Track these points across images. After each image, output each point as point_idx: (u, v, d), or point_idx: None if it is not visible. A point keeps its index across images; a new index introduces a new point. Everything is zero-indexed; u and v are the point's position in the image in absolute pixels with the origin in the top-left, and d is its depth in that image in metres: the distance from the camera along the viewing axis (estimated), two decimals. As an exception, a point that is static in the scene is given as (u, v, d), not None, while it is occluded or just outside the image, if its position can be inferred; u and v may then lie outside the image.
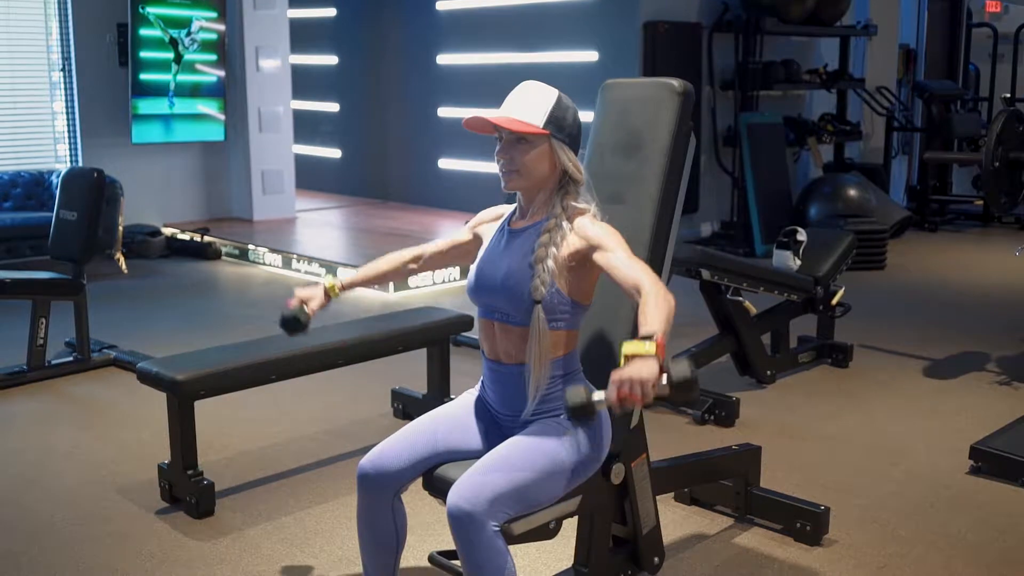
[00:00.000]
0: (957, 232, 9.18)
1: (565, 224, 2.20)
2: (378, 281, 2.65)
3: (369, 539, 2.34)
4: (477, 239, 2.44)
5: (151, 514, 3.27)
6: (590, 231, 2.17)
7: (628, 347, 1.91)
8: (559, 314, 2.19)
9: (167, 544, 3.05)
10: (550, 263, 2.16)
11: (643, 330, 1.94)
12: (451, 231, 2.58)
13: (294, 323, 2.51)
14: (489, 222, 2.44)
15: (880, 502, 3.33)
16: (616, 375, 1.89)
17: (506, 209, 2.40)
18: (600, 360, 2.44)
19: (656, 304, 1.98)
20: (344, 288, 2.58)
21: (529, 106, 2.19)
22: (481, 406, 2.39)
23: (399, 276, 2.66)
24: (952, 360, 5.02)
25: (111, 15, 7.90)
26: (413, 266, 2.61)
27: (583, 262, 2.17)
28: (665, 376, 1.88)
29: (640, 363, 1.87)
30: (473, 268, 2.33)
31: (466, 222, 2.57)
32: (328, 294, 2.56)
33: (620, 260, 2.12)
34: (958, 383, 4.66)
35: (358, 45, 10.35)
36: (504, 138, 2.21)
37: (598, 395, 1.97)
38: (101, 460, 3.73)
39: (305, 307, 2.53)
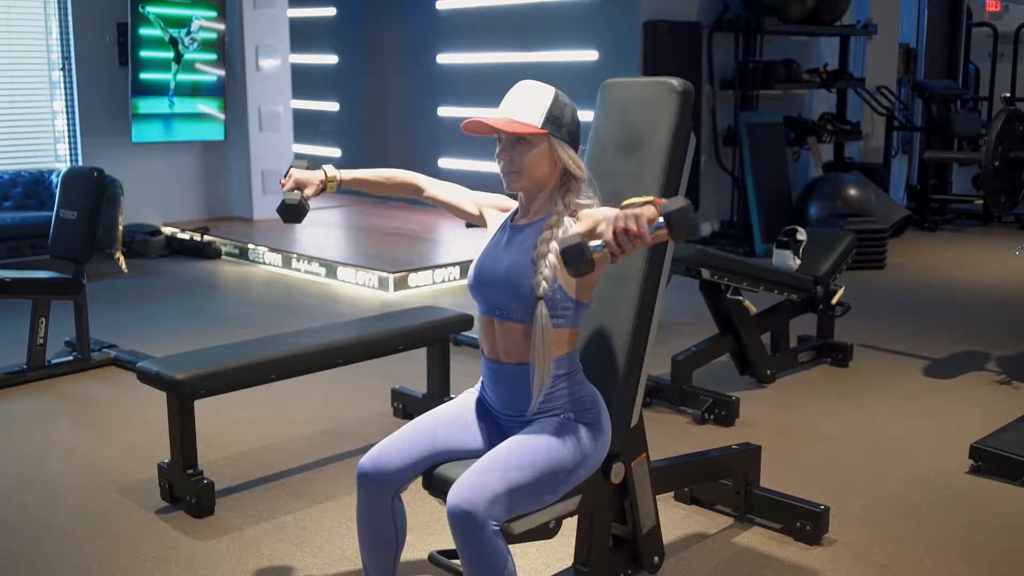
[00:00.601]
0: (957, 231, 9.18)
1: (568, 220, 2.20)
2: (376, 188, 2.60)
3: (369, 538, 2.34)
4: (480, 218, 2.45)
5: (151, 513, 3.27)
6: (597, 212, 2.18)
7: (625, 202, 1.93)
8: (561, 311, 2.19)
9: (167, 543, 3.05)
10: (552, 259, 2.16)
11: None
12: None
13: (294, 211, 2.44)
14: (496, 210, 2.44)
15: (880, 502, 3.34)
16: (615, 223, 1.88)
17: (513, 203, 2.40)
18: (601, 359, 2.44)
19: None
20: (342, 184, 2.53)
21: (526, 106, 2.19)
22: (481, 405, 2.39)
23: (397, 192, 2.61)
24: (952, 359, 5.02)
25: (111, 14, 7.90)
26: (412, 192, 2.58)
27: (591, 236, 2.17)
28: (661, 219, 1.86)
29: (636, 209, 1.89)
30: (474, 263, 2.33)
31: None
32: (325, 185, 2.51)
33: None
34: (958, 382, 4.66)
35: (358, 44, 10.35)
36: (503, 139, 2.21)
37: (595, 242, 1.92)
38: (101, 459, 3.73)
39: (303, 192, 2.46)
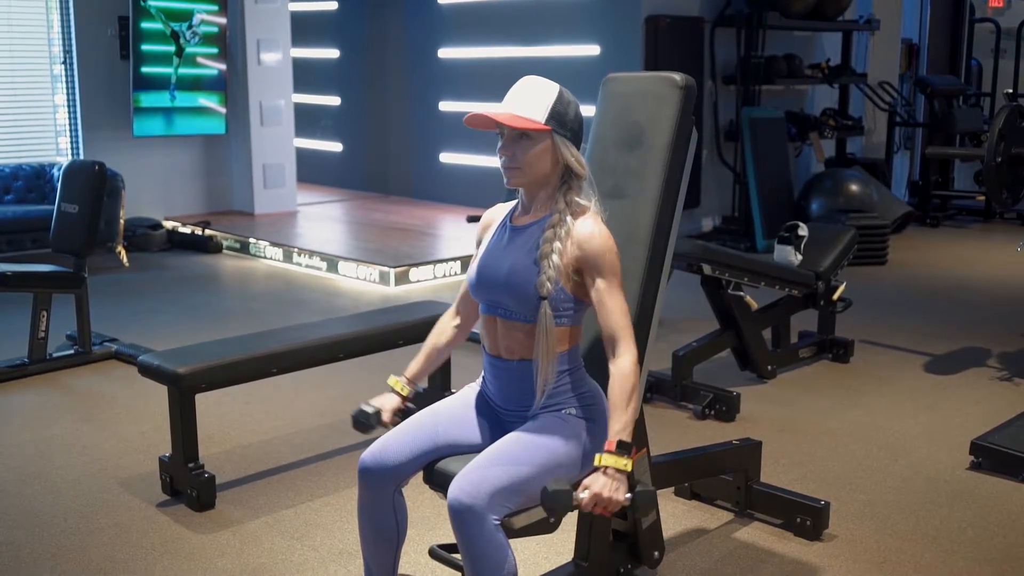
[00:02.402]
0: (959, 228, 9.18)
1: (569, 219, 2.20)
2: (440, 358, 2.52)
3: (370, 532, 2.34)
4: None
5: (152, 507, 3.27)
6: (590, 246, 2.16)
7: (605, 459, 2.08)
8: (563, 310, 2.19)
9: (168, 537, 3.06)
10: (555, 259, 2.16)
11: (614, 429, 2.11)
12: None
13: (364, 426, 2.39)
14: (491, 225, 2.40)
15: (880, 497, 3.34)
16: (593, 488, 2.06)
17: (506, 206, 2.39)
18: (602, 354, 2.43)
19: (629, 393, 2.13)
20: (412, 382, 2.46)
21: (530, 102, 2.18)
22: (482, 400, 2.39)
23: (454, 342, 2.51)
24: (953, 356, 5.02)
25: (112, 8, 7.90)
26: (458, 322, 2.49)
27: (582, 271, 2.19)
28: (629, 497, 2.09)
29: (614, 483, 2.07)
30: (475, 264, 2.32)
31: (468, 217, 2.55)
32: (400, 395, 2.44)
33: (610, 302, 2.16)
34: (959, 379, 4.66)
35: (359, 39, 10.34)
36: (506, 134, 2.21)
37: (580, 494, 2.09)
38: (102, 453, 3.73)
39: (380, 413, 2.39)
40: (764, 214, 7.75)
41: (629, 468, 2.08)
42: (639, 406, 2.20)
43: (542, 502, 2.05)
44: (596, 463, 2.09)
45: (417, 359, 2.49)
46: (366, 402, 2.42)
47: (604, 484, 2.06)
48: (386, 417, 2.40)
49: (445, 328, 2.51)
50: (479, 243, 2.39)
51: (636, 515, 2.20)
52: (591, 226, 2.19)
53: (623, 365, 2.15)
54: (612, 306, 2.17)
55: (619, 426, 2.11)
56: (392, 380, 2.47)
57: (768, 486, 3.16)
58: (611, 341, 2.17)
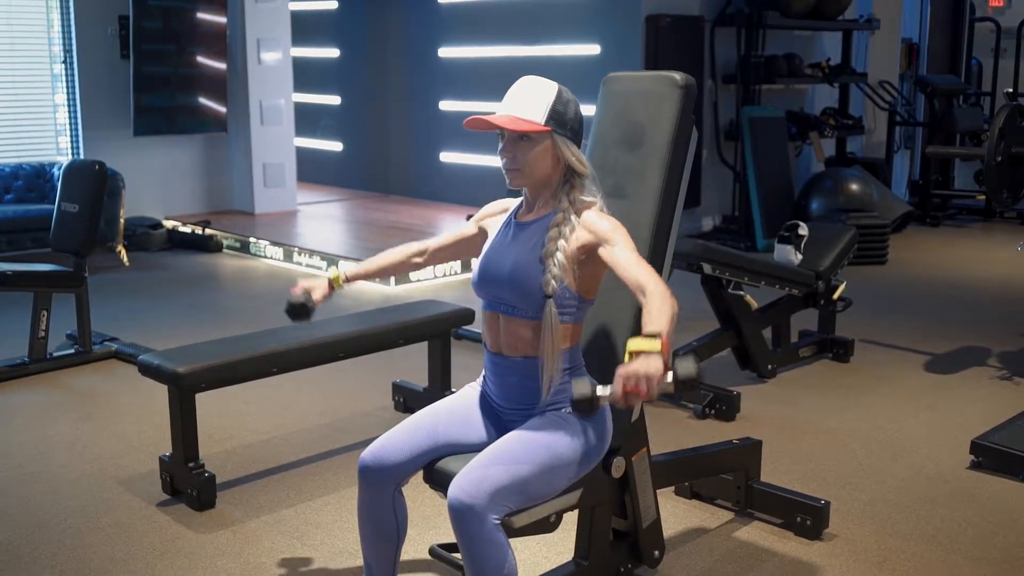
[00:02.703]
0: (959, 227, 9.17)
1: (573, 218, 2.20)
2: (382, 274, 2.66)
3: (370, 532, 2.35)
4: (483, 233, 2.44)
5: (152, 506, 3.27)
6: (598, 226, 2.17)
7: (633, 343, 1.93)
8: (565, 308, 2.20)
9: (168, 536, 3.06)
10: (560, 257, 2.17)
11: (647, 328, 1.96)
12: (453, 224, 2.58)
13: (300, 310, 2.53)
14: (495, 215, 2.43)
15: (881, 497, 3.34)
16: (622, 370, 1.90)
17: (512, 202, 2.40)
18: (602, 354, 2.44)
19: (660, 305, 2.00)
20: (348, 280, 2.60)
21: (529, 103, 2.19)
22: (482, 399, 2.39)
23: (403, 270, 2.67)
24: (953, 355, 5.02)
25: (112, 7, 7.89)
26: (418, 260, 2.61)
27: (591, 256, 2.18)
28: (670, 373, 1.92)
29: (645, 359, 1.89)
30: (479, 261, 2.33)
31: (468, 216, 2.56)
32: (332, 285, 2.58)
33: (626, 258, 2.12)
34: (959, 378, 4.66)
35: (360, 38, 10.34)
36: (506, 136, 2.21)
37: (603, 390, 1.98)
38: (102, 452, 3.73)
39: (310, 295, 2.54)
40: (764, 213, 7.75)
41: (658, 348, 1.91)
42: (674, 318, 2.00)
43: (574, 410, 2.01)
44: (627, 349, 1.94)
45: (362, 264, 2.64)
46: (293, 293, 2.54)
47: (635, 364, 1.89)
48: (316, 296, 2.55)
49: (405, 253, 2.62)
50: (478, 223, 2.45)
51: (682, 389, 1.93)
52: (596, 214, 2.21)
53: (654, 290, 2.04)
54: (629, 256, 2.12)
55: (651, 321, 1.98)
56: (332, 273, 2.58)
57: (768, 485, 3.16)
58: (638, 287, 2.07)
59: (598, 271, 2.23)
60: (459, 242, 2.54)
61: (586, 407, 1.99)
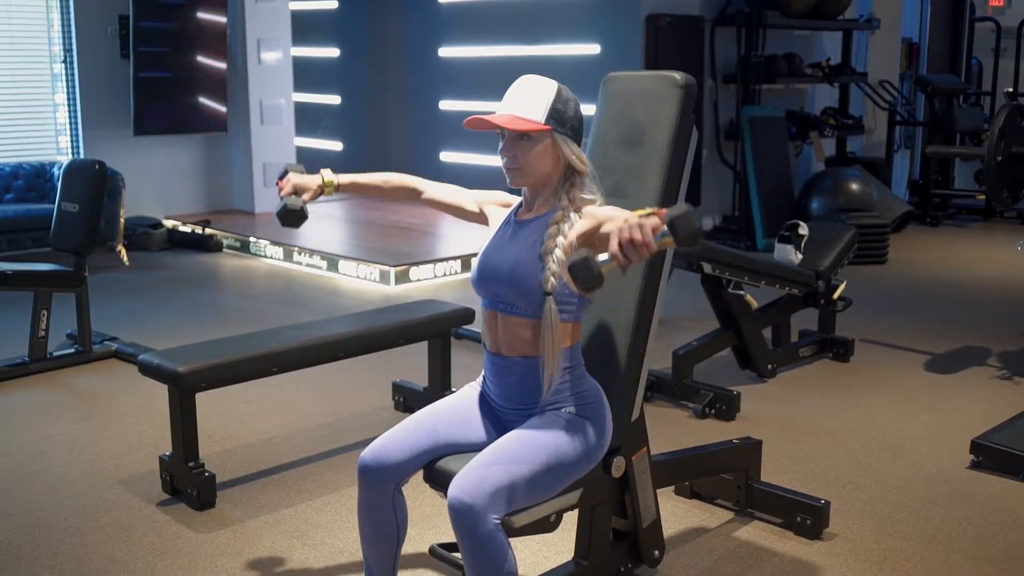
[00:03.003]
0: (959, 227, 9.17)
1: (573, 215, 2.20)
2: (373, 191, 2.61)
3: (370, 531, 2.34)
4: (481, 215, 2.44)
5: (152, 506, 3.27)
6: (599, 211, 2.18)
7: (630, 216, 1.88)
8: (564, 306, 2.20)
9: (168, 536, 3.06)
10: (559, 253, 2.16)
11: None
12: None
13: (294, 216, 2.45)
14: (497, 206, 2.43)
15: (881, 496, 3.34)
16: (621, 223, 1.86)
17: (514, 199, 2.40)
18: (602, 354, 2.44)
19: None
20: (339, 188, 2.55)
21: (529, 102, 2.19)
22: (482, 399, 2.39)
23: (396, 196, 2.61)
24: (953, 355, 5.02)
25: (112, 7, 7.89)
26: (411, 196, 2.58)
27: (590, 242, 2.17)
28: (665, 220, 1.83)
29: (641, 219, 1.85)
30: (477, 258, 2.33)
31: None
32: (323, 189, 2.52)
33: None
34: (959, 378, 4.66)
35: (360, 38, 10.34)
36: (506, 135, 2.21)
37: (602, 256, 1.89)
38: (102, 452, 3.73)
39: (302, 197, 2.47)
40: (764, 213, 7.75)
41: (653, 211, 1.85)
42: None
43: (574, 277, 1.85)
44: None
45: (360, 176, 2.58)
46: (282, 191, 2.48)
47: (631, 222, 1.83)
48: (307, 197, 2.49)
49: (402, 182, 2.59)
50: (480, 204, 2.45)
51: (681, 243, 1.83)
52: (598, 207, 2.21)
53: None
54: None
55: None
56: (327, 176, 2.52)
57: (768, 485, 3.16)
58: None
59: None
60: (456, 207, 2.52)
61: (585, 271, 1.84)
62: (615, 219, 2.08)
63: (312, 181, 2.53)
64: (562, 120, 2.20)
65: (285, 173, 2.54)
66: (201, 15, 8.22)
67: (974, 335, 5.35)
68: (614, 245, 1.83)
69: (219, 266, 7.35)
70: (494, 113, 2.21)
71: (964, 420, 4.05)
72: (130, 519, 3.17)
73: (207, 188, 8.75)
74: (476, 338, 4.91)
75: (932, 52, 10.57)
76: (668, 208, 1.87)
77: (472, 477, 2.09)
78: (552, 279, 2.16)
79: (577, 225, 2.19)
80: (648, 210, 1.87)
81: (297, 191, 2.51)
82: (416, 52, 9.63)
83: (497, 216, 2.40)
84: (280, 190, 2.51)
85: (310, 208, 2.54)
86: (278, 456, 3.70)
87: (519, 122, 2.16)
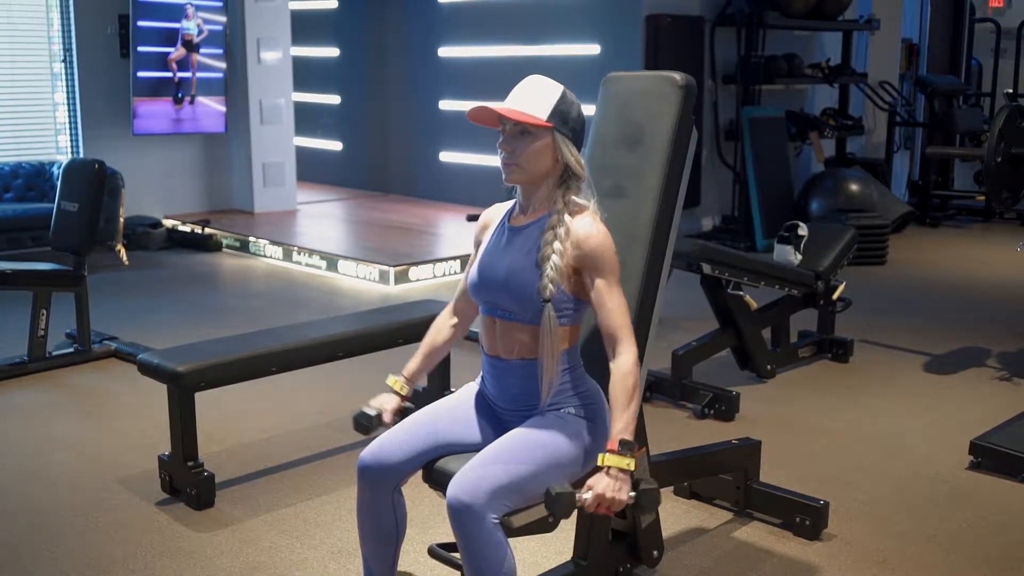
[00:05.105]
0: (959, 228, 9.18)
1: (567, 219, 2.20)
2: (438, 356, 2.51)
3: (369, 531, 2.34)
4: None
5: (151, 505, 3.27)
6: (588, 245, 2.16)
7: (609, 459, 2.08)
8: (563, 311, 2.20)
9: (167, 535, 3.06)
10: (556, 260, 2.16)
11: (616, 428, 2.11)
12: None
13: (365, 426, 2.40)
14: (488, 225, 2.39)
15: (880, 497, 3.34)
16: (598, 487, 2.07)
17: (504, 206, 2.39)
18: (601, 353, 2.43)
19: (631, 391, 2.13)
20: (409, 381, 2.46)
21: (534, 99, 2.19)
22: (481, 399, 2.39)
23: (452, 340, 2.52)
24: (952, 356, 5.02)
25: (112, 6, 7.89)
26: (456, 321, 2.49)
27: (573, 276, 2.19)
28: (633, 496, 2.11)
29: (618, 483, 2.08)
30: (474, 266, 2.32)
31: (468, 217, 2.55)
32: (400, 395, 2.44)
33: (608, 300, 2.17)
34: (958, 379, 4.66)
35: (360, 37, 10.34)
36: (507, 130, 2.21)
37: (579, 493, 2.09)
38: (102, 451, 3.73)
39: (381, 416, 2.39)
40: (764, 213, 7.75)
41: (632, 467, 2.09)
42: (640, 404, 2.20)
43: (546, 505, 2.05)
44: (599, 463, 2.09)
45: (415, 358, 2.50)
46: (367, 404, 2.42)
47: (607, 484, 2.07)
48: (387, 418, 2.40)
49: (443, 327, 2.51)
50: (477, 244, 2.38)
51: (640, 513, 2.19)
52: (589, 225, 2.19)
53: (624, 364, 2.16)
54: (611, 305, 2.17)
55: (621, 425, 2.11)
56: (391, 380, 2.46)
57: (767, 485, 3.16)
58: (611, 340, 2.17)
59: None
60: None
61: (560, 505, 2.04)
62: (599, 271, 2.16)
63: (389, 400, 2.42)
64: (565, 120, 2.20)
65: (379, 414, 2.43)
66: (201, 14, 8.20)
67: (973, 336, 5.35)
68: (591, 504, 2.08)
69: (218, 266, 7.35)
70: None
71: (963, 421, 4.05)
72: (129, 518, 3.17)
73: (207, 188, 8.75)
74: (475, 338, 4.90)
75: (932, 53, 10.57)
76: (639, 476, 2.15)
77: (471, 477, 2.09)
78: (550, 286, 2.16)
79: (569, 249, 2.16)
80: (626, 458, 2.09)
81: (379, 412, 2.41)
82: (416, 52, 9.63)
83: (490, 230, 2.36)
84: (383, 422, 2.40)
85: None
86: (277, 456, 3.70)
87: (522, 115, 2.16)
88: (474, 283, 2.30)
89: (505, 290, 2.21)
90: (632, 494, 2.10)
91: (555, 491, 2.03)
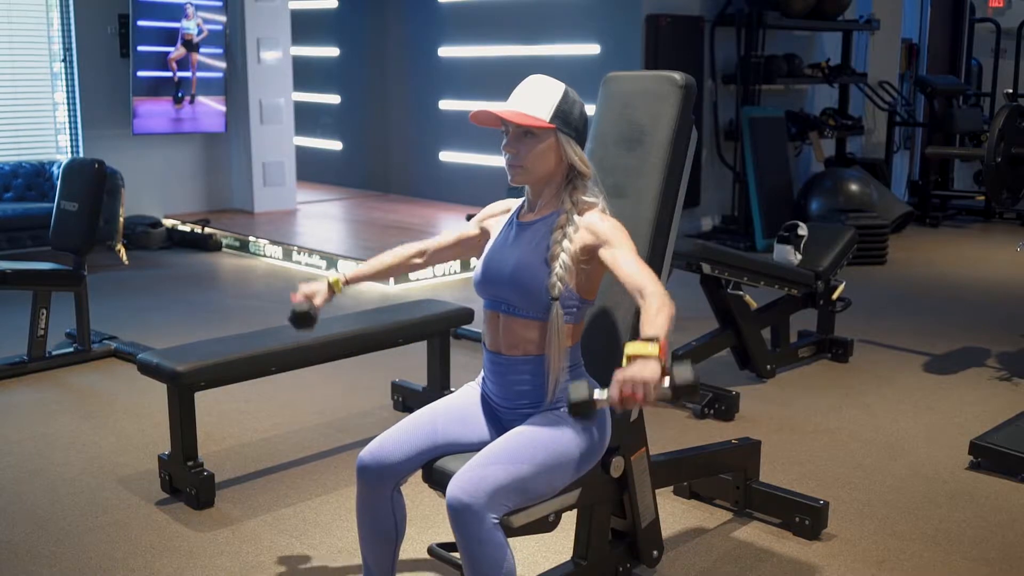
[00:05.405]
0: (958, 227, 9.18)
1: (576, 218, 2.20)
2: (382, 276, 2.63)
3: (368, 531, 2.34)
4: (484, 233, 2.44)
5: (151, 505, 3.27)
6: (599, 227, 2.18)
7: (631, 348, 1.93)
8: (567, 308, 2.20)
9: (167, 535, 3.06)
10: (565, 258, 2.17)
11: (645, 332, 1.97)
12: (453, 223, 2.57)
13: (304, 318, 2.49)
14: (497, 215, 2.43)
15: (879, 497, 3.34)
16: (619, 374, 1.91)
17: (514, 202, 2.40)
18: (601, 353, 2.44)
19: (658, 308, 2.01)
20: (348, 282, 2.55)
21: (536, 100, 2.19)
22: (482, 399, 2.39)
23: (403, 270, 2.63)
24: (952, 356, 5.02)
25: (112, 6, 7.89)
26: (418, 260, 2.58)
27: (592, 257, 2.18)
28: (668, 379, 1.92)
29: (643, 364, 1.90)
30: (480, 261, 2.33)
31: (469, 216, 2.56)
32: (332, 289, 2.53)
33: (626, 260, 2.13)
34: (958, 379, 4.66)
35: (360, 37, 10.34)
36: (511, 132, 2.21)
37: (600, 393, 1.99)
38: (101, 451, 3.73)
39: (311, 302, 2.50)
40: (764, 213, 7.75)
41: (655, 353, 1.91)
42: (672, 320, 2.00)
43: (571, 412, 1.98)
44: (624, 355, 1.94)
45: (362, 266, 2.59)
46: (297, 302, 2.50)
47: (632, 369, 1.90)
48: (317, 301, 2.49)
49: (404, 254, 2.58)
50: (478, 222, 2.44)
51: (677, 396, 1.92)
52: (599, 218, 2.20)
53: (653, 293, 2.05)
54: (629, 258, 2.13)
55: (649, 328, 1.97)
56: (332, 277, 2.53)
57: (767, 485, 3.16)
58: (636, 289, 2.08)
59: (598, 272, 2.23)
60: (460, 242, 2.53)
61: (582, 410, 1.98)
62: (613, 244, 2.14)
63: (320, 286, 2.52)
64: (567, 120, 2.20)
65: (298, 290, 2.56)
66: (201, 14, 8.20)
67: (973, 336, 5.35)
68: (615, 395, 1.90)
69: (218, 265, 7.35)
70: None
71: (963, 421, 4.05)
72: (129, 518, 3.17)
73: (206, 187, 8.75)
74: (475, 338, 4.91)
75: (932, 53, 10.58)
76: (672, 362, 1.94)
77: (471, 477, 2.09)
78: (559, 284, 2.16)
79: (580, 235, 2.18)
80: (647, 344, 1.92)
81: (308, 298, 2.50)
82: (416, 51, 9.63)
83: (498, 222, 2.39)
84: (292, 300, 2.52)
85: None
86: (277, 455, 3.70)
87: (525, 117, 2.17)
88: (480, 277, 2.31)
89: (511, 285, 2.22)
90: (666, 379, 1.91)
91: (572, 399, 1.95)
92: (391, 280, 6.49)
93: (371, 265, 2.59)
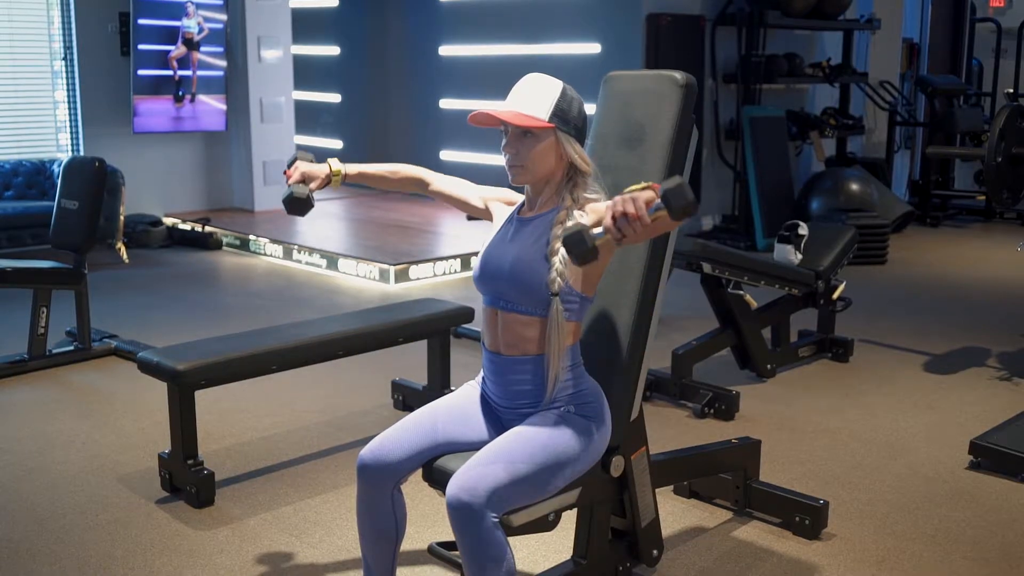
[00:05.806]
0: (959, 227, 9.18)
1: (577, 213, 2.20)
2: (380, 182, 2.57)
3: (369, 530, 2.34)
4: (486, 211, 2.44)
5: (151, 503, 3.27)
6: (600, 207, 2.18)
7: (626, 190, 1.91)
8: (567, 305, 2.20)
9: (167, 533, 3.06)
10: (565, 253, 2.16)
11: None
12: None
13: (301, 204, 2.42)
14: (502, 203, 2.43)
15: (879, 497, 3.34)
16: (612, 202, 1.89)
17: (519, 197, 2.40)
18: (602, 352, 2.44)
19: None
20: (347, 178, 2.51)
21: (534, 99, 2.19)
22: (482, 398, 2.39)
23: (403, 187, 2.58)
24: (952, 355, 5.02)
25: (113, 4, 7.89)
26: (418, 187, 2.55)
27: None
28: (659, 193, 1.86)
29: (634, 191, 1.89)
30: (480, 256, 2.33)
31: (468, 218, 2.54)
32: (331, 178, 2.48)
33: None
34: (958, 378, 4.66)
35: (360, 36, 10.34)
36: (510, 132, 2.21)
37: (596, 229, 1.94)
38: (101, 449, 3.74)
39: (307, 185, 2.45)
40: (764, 213, 7.76)
41: (648, 186, 1.89)
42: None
43: (567, 251, 1.89)
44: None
45: (365, 166, 2.55)
46: (290, 180, 2.44)
47: (619, 199, 1.87)
48: (314, 186, 2.45)
49: (410, 173, 2.55)
50: (486, 200, 2.44)
51: (668, 202, 1.83)
52: (601, 208, 2.20)
53: None
54: None
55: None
56: (335, 166, 2.48)
57: (767, 485, 3.16)
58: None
59: (598, 266, 2.22)
60: (460, 200, 2.51)
61: (578, 243, 1.88)
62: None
63: (320, 170, 2.48)
64: (566, 119, 2.20)
65: (294, 160, 2.52)
66: (202, 12, 8.20)
67: (973, 336, 5.35)
68: (607, 219, 1.88)
69: (219, 264, 7.35)
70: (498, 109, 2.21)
71: (963, 420, 4.06)
72: (129, 516, 3.17)
73: (207, 186, 8.75)
74: (475, 337, 4.92)
75: (933, 52, 10.58)
76: (663, 182, 1.89)
77: (471, 476, 2.09)
78: (559, 280, 2.16)
79: (582, 222, 2.19)
80: (642, 184, 1.90)
81: (305, 179, 2.47)
82: (416, 50, 9.63)
83: (501, 213, 2.40)
84: (288, 178, 2.48)
85: (316, 197, 2.50)
86: (277, 454, 3.70)
87: (523, 118, 2.17)
88: (479, 273, 2.31)
89: (510, 280, 2.22)
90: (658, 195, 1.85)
91: (567, 231, 1.89)
92: (391, 279, 6.49)
93: (374, 167, 2.55)
